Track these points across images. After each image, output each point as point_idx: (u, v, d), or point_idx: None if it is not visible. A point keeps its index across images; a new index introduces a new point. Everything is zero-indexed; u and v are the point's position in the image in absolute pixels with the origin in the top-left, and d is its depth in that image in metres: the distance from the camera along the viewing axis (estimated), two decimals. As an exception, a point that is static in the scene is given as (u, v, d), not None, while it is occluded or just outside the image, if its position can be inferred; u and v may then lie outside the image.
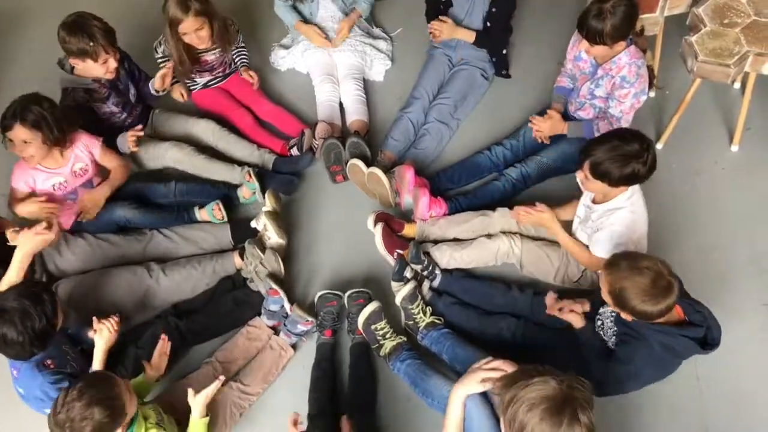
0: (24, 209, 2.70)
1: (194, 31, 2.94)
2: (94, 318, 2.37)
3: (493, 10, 3.18)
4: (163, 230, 2.86)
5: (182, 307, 2.72)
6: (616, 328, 2.28)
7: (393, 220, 2.90)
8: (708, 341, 2.12)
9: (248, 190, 2.95)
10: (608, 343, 2.32)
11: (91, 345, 2.39)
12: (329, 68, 3.42)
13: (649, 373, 2.22)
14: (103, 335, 2.35)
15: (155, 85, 3.01)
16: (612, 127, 2.76)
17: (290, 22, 3.46)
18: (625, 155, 2.27)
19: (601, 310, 2.36)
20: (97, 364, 2.35)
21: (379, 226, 2.80)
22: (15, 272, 2.37)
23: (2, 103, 2.57)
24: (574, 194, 2.93)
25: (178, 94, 3.21)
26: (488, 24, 3.22)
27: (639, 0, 2.81)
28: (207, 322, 2.66)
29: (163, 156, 3.07)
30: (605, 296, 2.13)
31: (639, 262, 2.04)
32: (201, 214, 2.93)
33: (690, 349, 2.12)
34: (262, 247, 2.76)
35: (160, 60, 3.10)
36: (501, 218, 2.82)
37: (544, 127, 2.95)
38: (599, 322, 2.36)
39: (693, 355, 2.16)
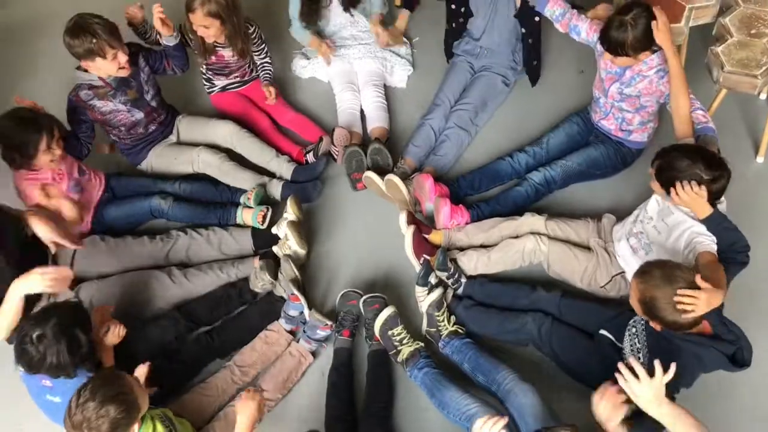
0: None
1: (200, 25, 2.95)
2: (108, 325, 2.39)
3: (523, 30, 3.22)
4: (188, 232, 2.87)
5: (193, 314, 2.70)
6: (645, 335, 2.25)
7: (422, 223, 2.90)
8: (738, 360, 2.10)
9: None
10: (642, 352, 2.28)
11: None
12: (350, 77, 3.43)
13: (678, 384, 2.16)
14: (114, 338, 2.38)
15: (163, 32, 2.89)
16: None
17: (305, 41, 3.48)
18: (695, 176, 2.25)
19: (636, 318, 2.32)
20: (107, 360, 2.37)
21: (411, 228, 2.79)
22: (7, 311, 2.27)
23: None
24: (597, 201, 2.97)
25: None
26: (524, 30, 3.23)
27: (664, 10, 2.79)
28: (236, 335, 2.67)
29: (195, 160, 3.08)
30: (634, 304, 2.10)
31: (673, 271, 2.02)
32: (245, 215, 2.94)
33: (718, 362, 2.10)
34: (274, 272, 2.74)
35: None
36: (528, 220, 2.80)
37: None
38: (633, 329, 2.32)
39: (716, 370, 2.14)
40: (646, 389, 1.87)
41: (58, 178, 2.77)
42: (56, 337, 2.08)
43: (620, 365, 1.92)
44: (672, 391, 2.13)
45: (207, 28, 2.95)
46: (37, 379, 2.23)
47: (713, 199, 2.29)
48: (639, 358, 2.27)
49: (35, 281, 2.25)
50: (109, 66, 2.76)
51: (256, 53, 3.27)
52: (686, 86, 2.55)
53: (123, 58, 2.77)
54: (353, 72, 3.45)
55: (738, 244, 2.29)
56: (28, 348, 2.09)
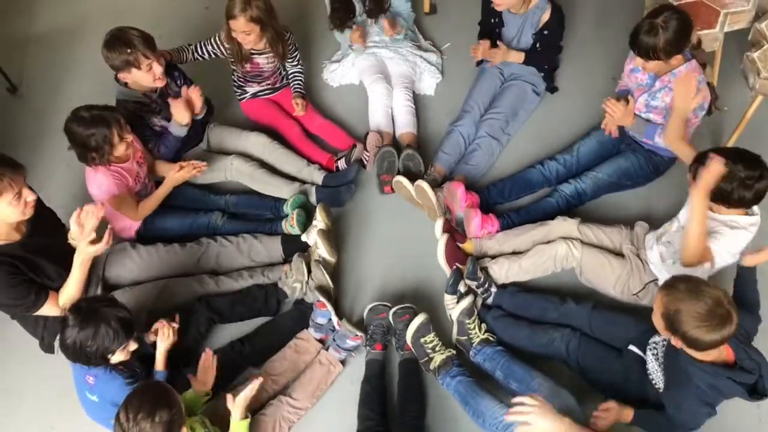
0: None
1: (241, 32, 2.97)
2: (157, 323, 2.45)
3: (545, 32, 3.18)
4: (218, 240, 2.88)
5: (213, 305, 2.71)
6: (664, 359, 2.22)
7: (456, 231, 2.89)
8: (758, 390, 2.04)
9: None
10: (658, 374, 2.26)
11: (149, 350, 2.46)
12: (381, 69, 3.43)
13: (693, 408, 2.12)
14: (166, 339, 2.42)
15: (177, 118, 2.93)
16: None
17: (347, 38, 3.50)
18: (733, 176, 2.21)
19: (657, 338, 2.30)
20: (159, 365, 2.43)
21: (445, 236, 2.79)
22: (77, 278, 2.41)
23: (62, 118, 2.62)
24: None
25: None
26: (538, 45, 3.22)
27: (698, 15, 2.77)
28: (269, 344, 2.68)
29: (228, 168, 3.12)
30: (657, 319, 2.06)
31: (699, 286, 1.98)
32: (286, 225, 2.95)
33: (735, 392, 2.05)
34: (308, 266, 2.76)
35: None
36: (560, 225, 2.78)
37: (618, 111, 2.78)
38: (654, 351, 2.29)
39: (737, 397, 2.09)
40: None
41: (141, 161, 2.84)
42: (80, 322, 2.11)
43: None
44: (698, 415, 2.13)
45: (248, 34, 2.97)
46: (84, 373, 2.26)
47: (756, 200, 2.25)
48: (655, 383, 2.27)
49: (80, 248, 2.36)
50: (144, 77, 2.79)
51: (290, 60, 3.28)
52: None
53: (158, 69, 2.81)
54: (384, 67, 3.46)
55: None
56: (69, 313, 2.14)
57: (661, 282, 2.56)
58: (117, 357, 2.18)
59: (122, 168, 2.72)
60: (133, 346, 2.22)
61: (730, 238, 2.32)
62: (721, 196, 2.27)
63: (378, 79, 3.37)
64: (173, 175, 2.86)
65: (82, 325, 2.11)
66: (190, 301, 2.72)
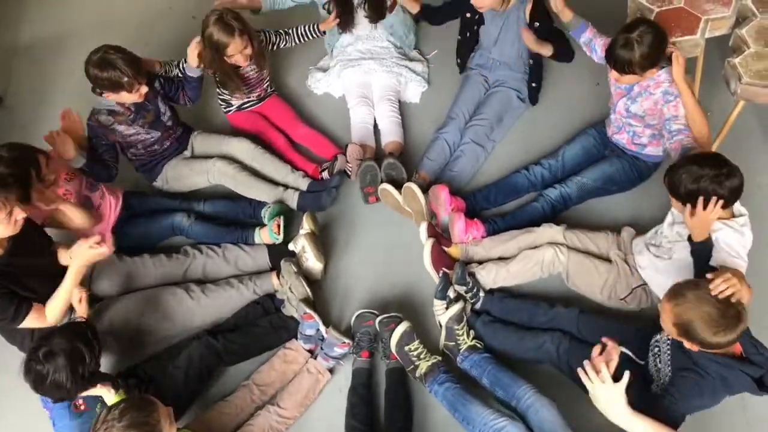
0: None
1: (239, 53, 2.98)
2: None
3: (537, 24, 3.07)
4: (204, 250, 2.88)
5: (217, 329, 2.71)
6: (670, 355, 2.22)
7: (441, 236, 2.89)
8: (765, 384, 2.06)
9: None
10: (663, 371, 2.26)
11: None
12: (365, 90, 3.43)
13: (696, 403, 2.14)
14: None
15: (189, 61, 2.96)
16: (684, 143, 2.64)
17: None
18: (703, 177, 2.22)
19: (658, 336, 2.30)
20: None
21: (431, 240, 2.79)
22: (69, 286, 2.39)
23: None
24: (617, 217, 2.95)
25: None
26: (529, 62, 3.21)
27: (679, 22, 2.79)
28: (244, 343, 2.65)
29: (211, 170, 3.10)
30: (669, 328, 2.05)
31: (706, 290, 1.98)
32: (263, 235, 2.94)
33: (744, 386, 2.06)
34: (298, 266, 2.77)
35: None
36: (546, 231, 2.79)
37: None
38: (656, 349, 2.30)
39: (742, 393, 2.10)
40: (602, 391, 1.99)
41: (68, 196, 2.76)
42: (59, 355, 2.12)
43: (585, 362, 2.04)
44: (691, 411, 2.14)
45: (245, 48, 2.98)
46: (43, 406, 2.31)
47: (732, 199, 2.26)
48: (660, 378, 2.27)
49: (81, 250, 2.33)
50: (129, 97, 2.81)
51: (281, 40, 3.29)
52: (702, 116, 2.53)
53: (144, 89, 2.82)
54: (368, 84, 3.45)
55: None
56: (34, 365, 2.13)
57: (650, 286, 2.60)
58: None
59: None
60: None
61: (731, 233, 2.32)
62: (698, 199, 2.25)
63: (360, 102, 3.37)
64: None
65: (46, 362, 2.13)
66: (177, 311, 2.70)
